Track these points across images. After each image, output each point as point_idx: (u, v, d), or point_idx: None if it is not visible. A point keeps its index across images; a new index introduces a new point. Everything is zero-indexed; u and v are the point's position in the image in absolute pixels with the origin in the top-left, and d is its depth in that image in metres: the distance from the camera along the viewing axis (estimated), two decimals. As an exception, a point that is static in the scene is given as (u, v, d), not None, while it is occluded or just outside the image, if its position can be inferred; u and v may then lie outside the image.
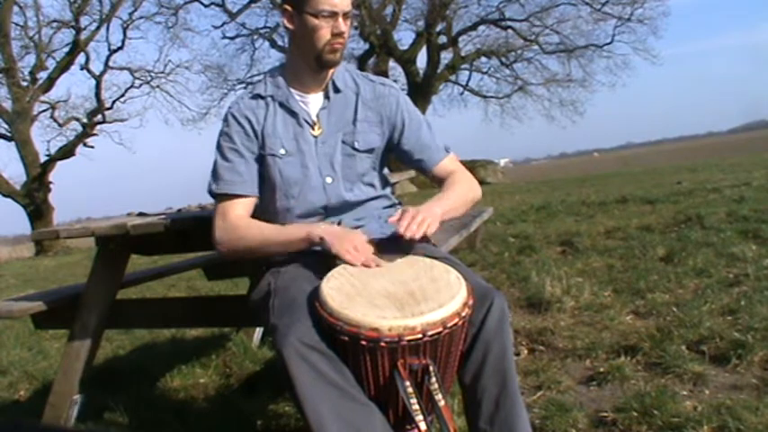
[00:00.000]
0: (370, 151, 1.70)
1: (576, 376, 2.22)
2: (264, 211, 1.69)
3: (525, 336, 2.66)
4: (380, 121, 1.71)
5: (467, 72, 21.11)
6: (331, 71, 1.69)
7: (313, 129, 1.67)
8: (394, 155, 1.77)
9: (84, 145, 17.96)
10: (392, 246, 1.59)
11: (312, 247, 1.54)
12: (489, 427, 1.35)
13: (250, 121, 1.66)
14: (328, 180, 1.65)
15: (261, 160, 1.66)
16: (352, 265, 1.44)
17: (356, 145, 1.67)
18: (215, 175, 1.66)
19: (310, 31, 1.61)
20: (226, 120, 1.69)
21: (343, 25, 1.62)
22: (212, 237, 1.63)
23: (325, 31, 1.61)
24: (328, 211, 1.65)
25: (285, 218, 1.66)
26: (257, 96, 1.69)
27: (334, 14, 1.60)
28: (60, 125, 17.80)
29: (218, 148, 1.68)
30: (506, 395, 1.36)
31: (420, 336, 1.23)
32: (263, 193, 1.68)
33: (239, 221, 1.61)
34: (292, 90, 1.69)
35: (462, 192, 1.67)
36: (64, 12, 18.30)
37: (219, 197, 1.65)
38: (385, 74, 18.04)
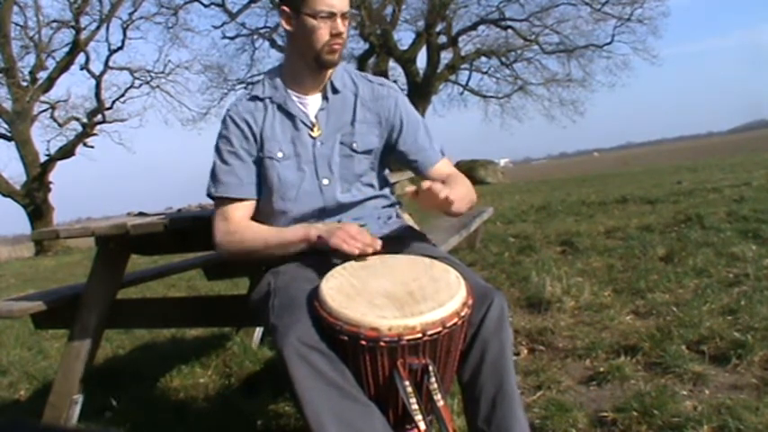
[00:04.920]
0: (368, 152, 1.69)
1: (575, 376, 2.22)
2: (261, 213, 1.69)
3: (525, 336, 2.66)
4: (379, 122, 1.71)
5: (467, 72, 21.16)
6: (329, 72, 1.69)
7: (312, 130, 1.66)
8: (391, 155, 1.77)
9: (84, 145, 17.98)
10: (392, 245, 1.59)
11: (311, 246, 1.54)
12: (487, 426, 1.35)
13: (248, 124, 1.66)
14: (325, 182, 1.65)
15: (259, 162, 1.66)
16: (350, 255, 1.44)
17: (354, 146, 1.67)
18: (214, 177, 1.66)
19: (309, 31, 1.60)
20: (224, 122, 1.69)
21: (342, 26, 1.61)
22: (213, 239, 1.63)
23: (323, 32, 1.60)
24: (325, 213, 1.65)
25: (281, 220, 1.66)
26: (255, 98, 1.69)
27: (332, 15, 1.59)
28: (60, 125, 17.83)
29: (217, 150, 1.68)
30: (504, 395, 1.36)
31: (419, 335, 1.23)
32: (259, 195, 1.68)
33: (239, 225, 1.62)
34: (290, 91, 1.68)
35: (465, 190, 1.66)
36: (64, 12, 18.29)
37: (219, 200, 1.65)
38: (385, 74, 18.06)
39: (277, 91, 1.68)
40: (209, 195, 1.67)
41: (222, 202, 1.65)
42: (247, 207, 1.66)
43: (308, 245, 1.54)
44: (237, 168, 1.65)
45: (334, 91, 1.69)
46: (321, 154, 1.65)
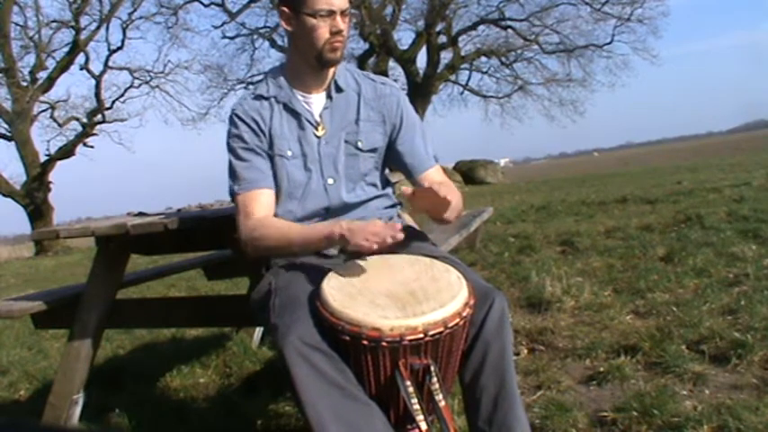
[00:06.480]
0: (373, 151, 1.69)
1: (575, 376, 2.22)
2: None
3: (525, 335, 2.66)
4: (382, 121, 1.70)
5: (467, 72, 21.16)
6: (332, 70, 1.69)
7: (316, 129, 1.66)
8: (387, 155, 1.76)
9: (84, 145, 17.98)
10: (393, 245, 1.59)
11: (333, 245, 1.52)
12: (488, 426, 1.35)
13: (257, 122, 1.65)
14: (330, 181, 1.65)
15: (270, 160, 1.65)
16: (369, 252, 1.40)
17: (359, 145, 1.67)
18: (234, 176, 1.64)
19: (309, 31, 1.60)
20: (232, 122, 1.67)
21: (342, 23, 1.61)
22: (237, 237, 1.61)
23: (323, 31, 1.60)
24: (330, 213, 1.65)
25: (287, 219, 1.65)
26: (260, 97, 1.68)
27: (332, 13, 1.59)
28: (60, 125, 17.80)
29: (231, 150, 1.66)
30: (505, 395, 1.36)
31: (421, 335, 1.23)
32: None
33: (262, 221, 1.59)
34: (295, 90, 1.68)
35: (457, 200, 1.65)
36: (64, 12, 18.26)
37: (241, 197, 1.63)
38: (385, 74, 18.03)
39: (282, 90, 1.68)
40: (233, 195, 1.65)
41: (245, 198, 1.62)
42: (269, 198, 1.64)
43: (330, 244, 1.51)
44: (256, 162, 1.64)
45: (338, 90, 1.69)
46: (326, 153, 1.65)
